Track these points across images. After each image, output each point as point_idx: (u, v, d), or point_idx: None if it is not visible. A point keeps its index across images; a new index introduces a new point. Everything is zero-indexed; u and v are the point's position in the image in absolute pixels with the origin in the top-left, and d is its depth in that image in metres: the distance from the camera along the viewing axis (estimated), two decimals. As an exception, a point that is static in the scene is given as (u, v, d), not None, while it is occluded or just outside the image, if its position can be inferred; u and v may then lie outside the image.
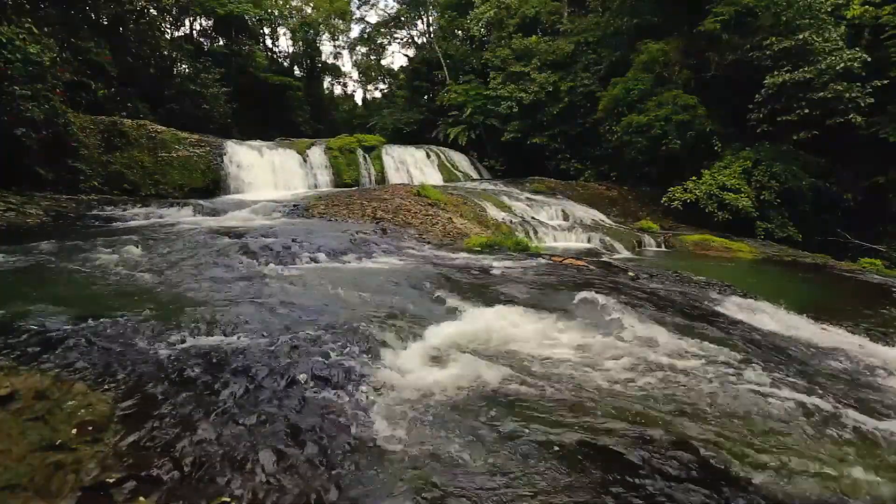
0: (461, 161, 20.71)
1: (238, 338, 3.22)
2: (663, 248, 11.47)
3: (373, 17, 37.62)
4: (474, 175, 20.37)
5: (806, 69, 12.58)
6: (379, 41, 35.12)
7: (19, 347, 2.83)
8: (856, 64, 12.25)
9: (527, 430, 2.38)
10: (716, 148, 14.60)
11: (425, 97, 27.79)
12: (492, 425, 2.42)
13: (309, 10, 33.85)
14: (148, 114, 16.58)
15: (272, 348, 3.07)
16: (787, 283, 8.30)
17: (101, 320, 3.31)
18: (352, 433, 2.29)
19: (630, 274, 6.42)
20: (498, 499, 1.91)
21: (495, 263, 6.39)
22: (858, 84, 12.34)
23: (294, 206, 10.34)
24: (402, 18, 32.14)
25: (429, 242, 8.24)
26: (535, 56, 20.56)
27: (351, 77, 41.60)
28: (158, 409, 2.35)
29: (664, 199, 14.31)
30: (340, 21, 35.26)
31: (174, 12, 20.70)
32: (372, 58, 37.72)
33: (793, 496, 2.01)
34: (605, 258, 9.03)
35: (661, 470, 2.11)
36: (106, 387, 2.49)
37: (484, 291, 4.83)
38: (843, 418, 2.64)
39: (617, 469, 2.11)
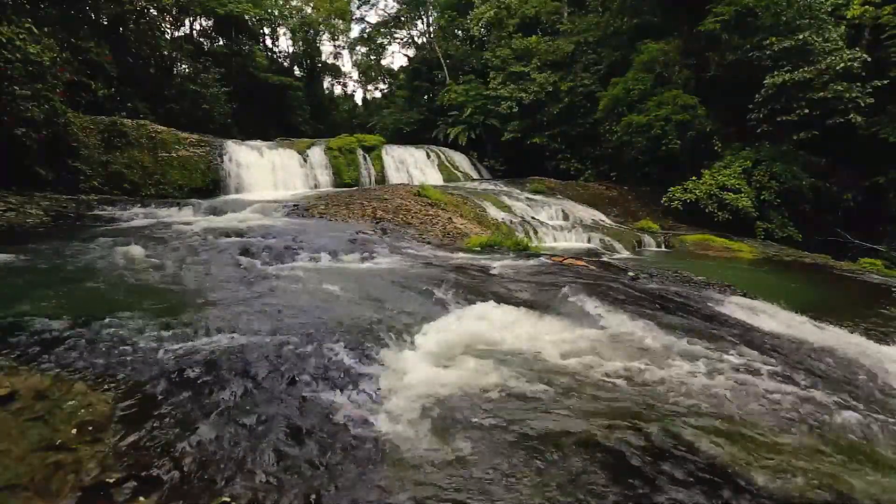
0: (461, 161, 20.72)
1: (238, 338, 3.22)
2: (663, 248, 11.47)
3: (373, 17, 37.59)
4: (474, 175, 20.38)
5: (806, 69, 12.59)
6: (379, 41, 35.13)
7: (19, 347, 2.83)
8: (856, 64, 12.26)
9: (527, 430, 2.38)
10: (716, 148, 14.62)
11: (425, 97, 27.81)
12: (492, 424, 2.42)
13: (309, 10, 33.82)
14: (148, 114, 16.56)
15: (272, 348, 3.07)
16: (787, 283, 8.30)
17: (101, 320, 3.31)
18: (352, 433, 2.29)
19: (630, 274, 6.42)
20: (499, 499, 1.91)
21: (495, 263, 6.38)
22: (858, 84, 12.35)
23: (294, 206, 10.34)
24: (402, 18, 32.14)
25: (429, 242, 8.23)
26: (535, 56, 20.58)
27: (351, 77, 41.64)
28: (158, 409, 2.35)
29: (664, 199, 14.33)
30: (340, 21, 35.24)
31: (174, 12, 20.66)
32: (372, 58, 37.71)
33: (792, 496, 2.01)
34: (605, 258, 9.03)
35: (660, 469, 2.11)
36: (106, 387, 2.49)
37: (483, 291, 4.83)
38: (844, 418, 2.64)
39: (616, 468, 2.11)
